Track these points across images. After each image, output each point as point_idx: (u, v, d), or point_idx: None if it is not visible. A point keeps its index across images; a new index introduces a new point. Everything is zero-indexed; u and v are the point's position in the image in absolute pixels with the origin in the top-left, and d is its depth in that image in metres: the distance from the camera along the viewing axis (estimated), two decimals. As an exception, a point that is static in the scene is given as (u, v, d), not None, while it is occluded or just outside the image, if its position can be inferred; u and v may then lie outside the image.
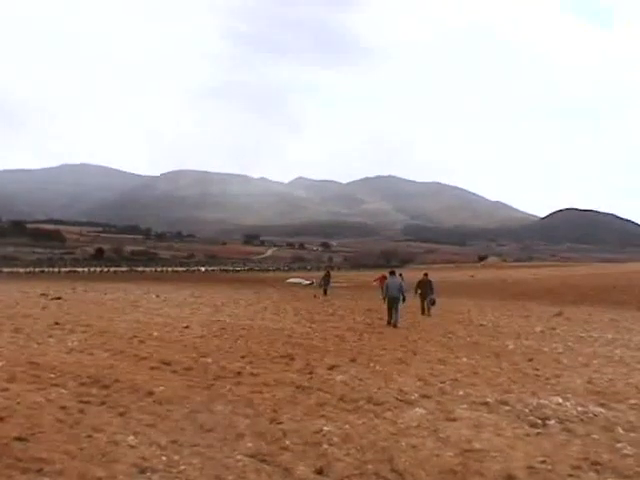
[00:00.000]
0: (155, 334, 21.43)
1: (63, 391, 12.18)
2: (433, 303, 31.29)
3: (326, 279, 51.35)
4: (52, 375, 13.72)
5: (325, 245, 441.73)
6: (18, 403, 11.05)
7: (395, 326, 26.12)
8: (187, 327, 23.78)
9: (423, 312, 31.04)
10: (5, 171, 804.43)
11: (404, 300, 27.56)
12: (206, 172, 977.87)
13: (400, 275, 33.07)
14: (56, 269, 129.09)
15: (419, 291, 31.83)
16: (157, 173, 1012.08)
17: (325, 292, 49.25)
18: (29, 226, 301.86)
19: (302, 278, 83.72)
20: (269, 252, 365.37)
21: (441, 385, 13.37)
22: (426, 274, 32.80)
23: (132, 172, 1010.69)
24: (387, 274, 31.02)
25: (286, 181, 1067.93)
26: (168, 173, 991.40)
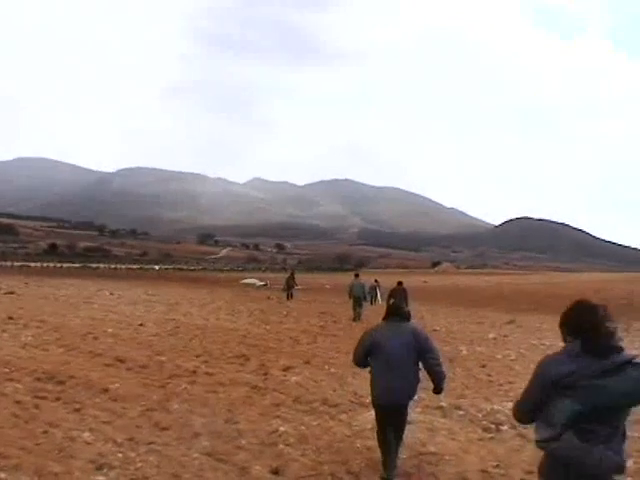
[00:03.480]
0: (109, 331, 21.36)
1: (18, 386, 12.16)
2: None
3: (290, 281, 47.72)
4: (6, 370, 13.67)
5: (280, 247, 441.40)
6: (-28, 397, 11.02)
7: (359, 319, 29.58)
8: (141, 325, 23.72)
9: None
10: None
11: (365, 299, 31.89)
12: (163, 170, 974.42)
13: (376, 281, 35.48)
14: (8, 263, 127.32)
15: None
16: (114, 169, 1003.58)
17: (290, 296, 46.02)
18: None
19: (256, 279, 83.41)
20: (223, 252, 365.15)
21: (395, 389, 13.47)
22: (400, 282, 32.25)
23: (89, 167, 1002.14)
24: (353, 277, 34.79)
25: (243, 181, 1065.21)
26: (125, 170, 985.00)
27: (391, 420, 8.10)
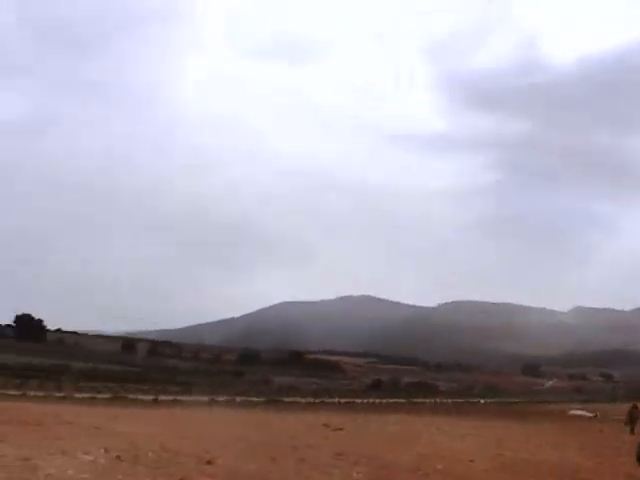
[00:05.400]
0: (439, 467, 21.39)
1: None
2: None
3: (634, 414, 44.33)
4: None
5: (606, 376, 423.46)
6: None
7: None
8: (472, 461, 23.54)
9: None
10: (290, 302, 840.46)
11: None
12: (483, 302, 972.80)
13: None
14: (334, 399, 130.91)
15: None
16: (434, 304, 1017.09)
17: (632, 431, 42.33)
18: (308, 356, 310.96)
19: (585, 410, 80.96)
20: (549, 383, 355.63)
21: None
22: None
23: (409, 303, 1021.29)
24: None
25: (565, 310, 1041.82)
26: (444, 304, 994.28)
27: None
